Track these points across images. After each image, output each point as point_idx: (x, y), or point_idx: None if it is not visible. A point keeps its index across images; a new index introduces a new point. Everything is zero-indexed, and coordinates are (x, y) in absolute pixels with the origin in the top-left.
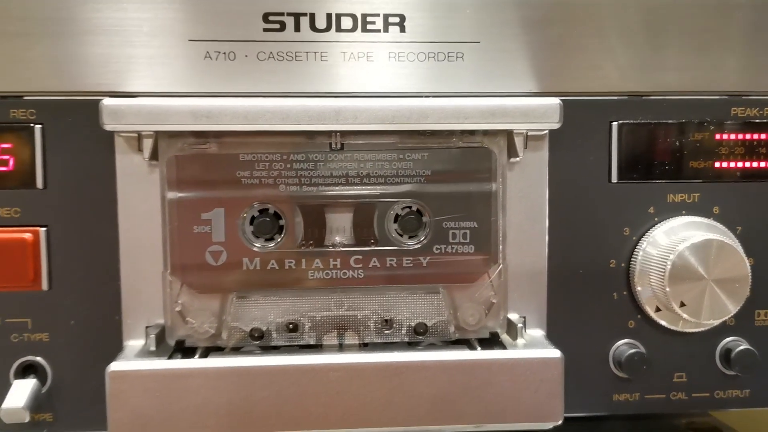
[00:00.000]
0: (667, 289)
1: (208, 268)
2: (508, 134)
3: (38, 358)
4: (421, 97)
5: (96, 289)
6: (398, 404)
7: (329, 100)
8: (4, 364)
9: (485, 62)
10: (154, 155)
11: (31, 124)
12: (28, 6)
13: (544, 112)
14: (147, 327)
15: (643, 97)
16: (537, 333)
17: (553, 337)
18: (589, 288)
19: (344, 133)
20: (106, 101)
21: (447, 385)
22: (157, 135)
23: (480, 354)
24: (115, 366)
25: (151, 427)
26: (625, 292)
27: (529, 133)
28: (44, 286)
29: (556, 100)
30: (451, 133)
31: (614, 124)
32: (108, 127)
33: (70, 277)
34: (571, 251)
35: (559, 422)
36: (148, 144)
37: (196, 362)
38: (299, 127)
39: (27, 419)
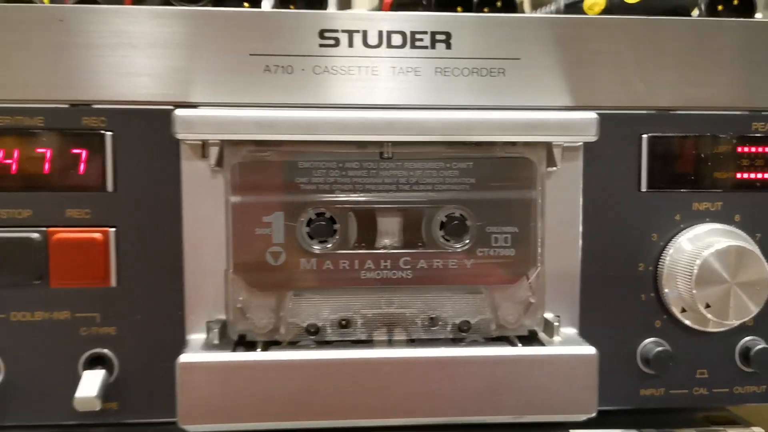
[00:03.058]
0: (694, 292)
1: (268, 268)
2: (548, 146)
3: (105, 351)
4: (465, 110)
5: (160, 286)
6: (444, 396)
7: (381, 112)
8: (74, 356)
9: (525, 77)
10: (219, 162)
11: (102, 131)
12: (100, 20)
13: (583, 126)
14: (208, 322)
15: (670, 112)
16: (571, 331)
17: (585, 335)
18: (618, 290)
19: (394, 143)
20: (178, 112)
21: (489, 378)
22: (223, 143)
23: (520, 350)
24: (185, 358)
25: (218, 414)
26: (652, 294)
27: (566, 144)
28: (112, 282)
29: (593, 115)
30: (493, 143)
31: (644, 136)
32: (179, 136)
33: (137, 275)
34: (603, 255)
35: (593, 415)
36: (214, 152)
37: (258, 355)
38: (355, 138)
39: (98, 407)
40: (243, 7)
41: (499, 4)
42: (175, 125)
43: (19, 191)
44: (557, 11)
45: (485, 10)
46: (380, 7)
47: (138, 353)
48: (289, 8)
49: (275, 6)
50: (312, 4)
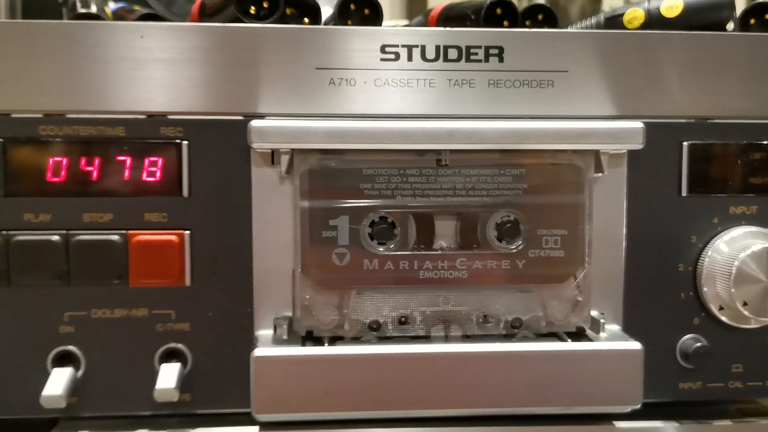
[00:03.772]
0: (732, 291)
1: (333, 268)
2: (596, 153)
3: (180, 345)
4: (517, 119)
5: (231, 285)
6: (497, 389)
7: (441, 123)
8: (150, 350)
9: (572, 88)
10: (288, 169)
11: (179, 141)
12: (177, 36)
13: (630, 135)
14: (275, 318)
15: (709, 121)
16: (615, 327)
17: (628, 331)
18: (659, 289)
19: (452, 151)
20: (254, 123)
21: (541, 372)
22: (293, 152)
23: (570, 346)
24: (259, 352)
25: (289, 404)
26: (691, 293)
27: (612, 152)
28: (187, 281)
29: (639, 124)
30: (544, 151)
31: (685, 144)
32: (254, 145)
33: (209, 274)
34: (645, 256)
35: (638, 406)
36: (284, 159)
37: (326, 350)
38: (417, 146)
39: (177, 398)
40: (303, 22)
41: (540, 17)
42: (250, 135)
43: (101, 196)
44: (598, 24)
45: (527, 23)
46: (425, 21)
47: (209, 347)
48: (347, 23)
49: (333, 21)
50: (368, 20)
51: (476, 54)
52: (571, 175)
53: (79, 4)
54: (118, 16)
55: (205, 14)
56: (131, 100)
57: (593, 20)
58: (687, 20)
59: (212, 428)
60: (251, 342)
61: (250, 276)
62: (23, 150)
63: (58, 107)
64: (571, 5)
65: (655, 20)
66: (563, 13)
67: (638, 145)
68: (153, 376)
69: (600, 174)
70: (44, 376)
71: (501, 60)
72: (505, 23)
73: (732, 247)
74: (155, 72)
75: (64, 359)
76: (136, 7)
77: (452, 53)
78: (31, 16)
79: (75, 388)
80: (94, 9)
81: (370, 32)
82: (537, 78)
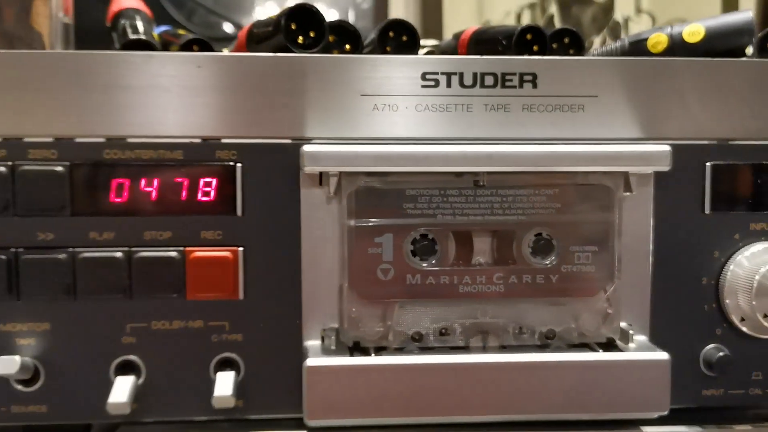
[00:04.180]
0: (754, 303)
1: (378, 282)
2: (625, 174)
3: (233, 355)
4: (549, 142)
5: (281, 299)
6: (533, 396)
7: (479, 147)
8: (206, 360)
9: (602, 113)
10: (336, 190)
11: (232, 163)
12: (230, 66)
13: (658, 157)
14: (323, 330)
15: (730, 142)
16: (642, 338)
17: (655, 341)
18: (684, 301)
19: (489, 173)
20: (306, 148)
21: (574, 380)
22: (341, 174)
23: (602, 355)
24: (311, 362)
25: (339, 410)
26: (714, 305)
27: (641, 173)
28: (240, 295)
29: (667, 147)
30: (576, 172)
31: (708, 164)
32: (306, 169)
33: (261, 288)
34: (670, 270)
35: (666, 412)
36: (333, 181)
37: (374, 359)
38: (458, 169)
39: (233, 405)
40: (344, 48)
41: (566, 40)
42: (303, 159)
43: (161, 215)
44: (622, 48)
45: (554, 46)
46: (456, 44)
47: (261, 357)
48: (386, 49)
49: (372, 47)
50: (405, 46)
51: (511, 80)
52: (601, 195)
53: (129, 30)
54: (164, 40)
55: (252, 41)
56: (188, 125)
57: (617, 44)
58: (709, 45)
59: None
60: (300, 352)
61: (299, 290)
62: (88, 172)
63: (120, 132)
64: (583, 15)
65: (677, 45)
66: (576, 22)
67: (666, 167)
68: (208, 383)
69: (628, 193)
70: (106, 384)
71: (534, 86)
72: (535, 48)
73: (752, 261)
74: (210, 98)
75: (125, 368)
76: (181, 31)
77: (488, 80)
78: (82, 42)
79: (136, 395)
80: (142, 32)
81: (412, 61)
82: (568, 103)
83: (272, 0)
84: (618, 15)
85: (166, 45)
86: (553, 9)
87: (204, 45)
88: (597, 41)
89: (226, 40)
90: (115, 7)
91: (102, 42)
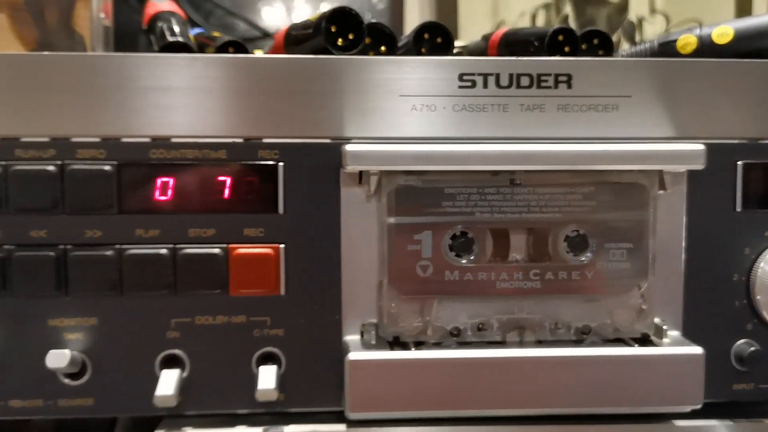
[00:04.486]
0: None
1: (417, 279)
2: (659, 172)
3: (275, 349)
4: (584, 141)
5: (322, 294)
6: (569, 389)
7: (516, 146)
8: (248, 354)
9: (635, 112)
10: (376, 189)
11: (274, 162)
12: (273, 68)
13: (693, 156)
14: (363, 325)
15: (760, 142)
16: (675, 333)
17: (687, 336)
18: (715, 297)
19: (525, 171)
20: (348, 147)
21: (609, 374)
22: (381, 173)
23: (636, 350)
24: (353, 356)
25: (380, 403)
26: (744, 301)
27: (675, 171)
28: (281, 291)
29: (701, 146)
30: (611, 170)
31: (739, 163)
32: (349, 168)
33: (302, 284)
34: (702, 267)
35: (699, 406)
36: (373, 180)
37: (414, 354)
38: (495, 168)
39: (276, 398)
40: (380, 50)
41: (596, 41)
42: (345, 158)
43: (205, 213)
44: (651, 49)
45: (584, 46)
46: (485, 44)
47: (301, 351)
48: (422, 51)
49: (405, 48)
50: (440, 47)
51: (546, 81)
52: (636, 193)
53: (167, 33)
54: (199, 42)
55: (291, 43)
56: (231, 126)
57: (647, 45)
58: (737, 47)
59: (302, 425)
60: (340, 346)
61: (339, 286)
62: (135, 172)
63: (165, 132)
64: (597, 15)
65: (706, 46)
66: (591, 22)
67: (701, 166)
68: (250, 377)
69: (662, 191)
70: (151, 377)
71: (569, 86)
72: (566, 49)
73: None
74: (252, 99)
75: (170, 362)
76: (215, 33)
77: (524, 80)
78: (121, 43)
79: (180, 388)
80: (179, 34)
81: (450, 62)
82: (603, 103)
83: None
84: (632, 15)
85: (201, 47)
86: (568, 9)
87: (239, 47)
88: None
89: (246, 40)
90: (151, 10)
91: (137, 43)
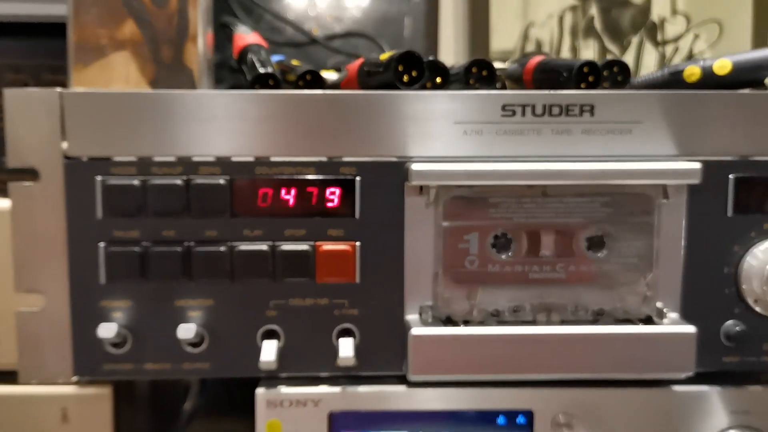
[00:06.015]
0: (765, 288)
1: (466, 271)
2: (663, 186)
3: (351, 325)
4: (603, 159)
5: (389, 282)
6: (588, 359)
7: (548, 164)
8: (329, 329)
9: (646, 135)
10: (435, 198)
11: (352, 177)
12: (354, 100)
13: (691, 173)
14: (421, 306)
15: (749, 158)
16: (674, 315)
17: (684, 318)
18: (709, 286)
19: (554, 185)
20: (414, 166)
21: (619, 348)
22: (438, 187)
23: (641, 328)
24: (415, 331)
25: (435, 368)
26: (733, 289)
27: (677, 185)
28: (357, 279)
29: (698, 165)
30: (624, 184)
31: (731, 176)
32: (414, 183)
33: (373, 274)
34: (698, 261)
35: (692, 374)
36: (432, 192)
37: (463, 329)
38: (530, 182)
39: (352, 364)
40: (435, 81)
41: (615, 69)
42: (410, 174)
43: (297, 217)
44: (662, 77)
45: (605, 73)
46: (521, 70)
47: (373, 327)
48: (470, 83)
49: (458, 81)
50: (486, 83)
51: (573, 110)
52: (644, 202)
53: (258, 64)
54: (281, 69)
55: (363, 75)
56: (317, 147)
57: (658, 73)
58: (735, 77)
59: (372, 386)
60: (402, 324)
61: (402, 276)
62: (243, 184)
63: (266, 153)
64: (621, 16)
65: (708, 77)
66: (615, 23)
67: (697, 181)
68: (331, 347)
69: (666, 200)
70: (254, 347)
71: (592, 114)
72: (590, 78)
73: (765, 255)
74: (335, 126)
75: (269, 335)
76: (294, 62)
77: (555, 110)
78: (217, 75)
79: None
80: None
81: (495, 96)
82: (619, 127)
83: None
84: (654, 16)
85: (282, 74)
86: (594, 11)
87: (315, 75)
88: (635, 40)
89: (290, 45)
90: (240, 42)
91: (224, 72)
